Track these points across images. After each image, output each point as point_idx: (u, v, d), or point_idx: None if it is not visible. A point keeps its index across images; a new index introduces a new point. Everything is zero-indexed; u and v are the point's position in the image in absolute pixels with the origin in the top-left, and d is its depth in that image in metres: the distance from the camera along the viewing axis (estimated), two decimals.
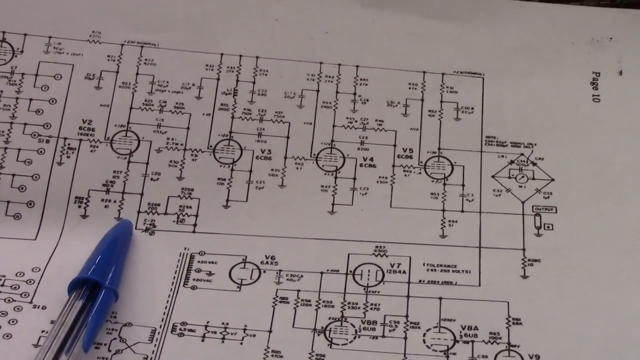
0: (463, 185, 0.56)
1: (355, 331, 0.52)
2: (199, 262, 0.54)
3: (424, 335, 0.52)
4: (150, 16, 0.60)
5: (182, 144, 0.57)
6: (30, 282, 0.53)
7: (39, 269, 0.53)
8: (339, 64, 0.59)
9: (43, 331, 0.51)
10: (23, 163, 0.57)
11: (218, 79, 0.59)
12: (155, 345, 0.51)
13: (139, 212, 0.56)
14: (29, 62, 0.59)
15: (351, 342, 0.51)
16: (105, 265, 0.52)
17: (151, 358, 0.50)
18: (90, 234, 0.55)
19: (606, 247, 0.54)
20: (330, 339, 0.51)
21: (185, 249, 0.55)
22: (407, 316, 0.52)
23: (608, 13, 0.61)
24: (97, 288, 0.51)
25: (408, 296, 0.53)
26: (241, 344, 0.51)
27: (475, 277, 0.53)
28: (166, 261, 0.54)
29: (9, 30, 0.59)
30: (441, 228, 0.55)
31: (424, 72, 0.59)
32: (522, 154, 0.57)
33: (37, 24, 0.59)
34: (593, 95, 0.58)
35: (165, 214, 0.56)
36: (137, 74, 0.59)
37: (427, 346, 0.51)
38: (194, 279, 0.54)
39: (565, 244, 0.54)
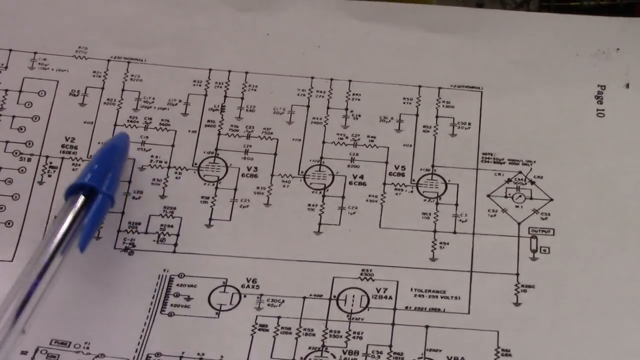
0: (457, 204, 0.54)
1: None
2: (178, 285, 0.52)
3: None
4: (137, 32, 0.59)
5: (166, 162, 0.56)
6: None
7: None
8: (331, 79, 0.57)
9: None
10: (3, 182, 0.55)
11: (205, 95, 0.57)
12: None
13: (118, 230, 0.54)
14: (13, 78, 0.57)
15: None
16: (102, 172, 0.52)
17: None
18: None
19: (604, 274, 0.51)
20: None
21: (164, 270, 0.53)
22: (390, 346, 0.50)
23: (615, 23, 0.58)
24: (94, 194, 0.51)
25: (393, 324, 0.51)
26: None
27: (464, 304, 0.51)
28: (144, 284, 0.52)
29: None
30: (431, 250, 0.52)
31: (420, 87, 0.57)
32: (520, 172, 0.54)
33: (22, 39, 0.58)
34: (597, 110, 0.55)
35: (146, 232, 0.54)
36: (122, 90, 0.57)
37: None
38: (172, 304, 0.52)
39: (561, 270, 0.51)
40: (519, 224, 0.53)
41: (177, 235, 0.54)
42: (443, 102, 0.56)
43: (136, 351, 0.50)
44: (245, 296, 0.52)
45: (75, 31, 0.59)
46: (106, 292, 0.52)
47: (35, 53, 0.58)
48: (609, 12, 0.64)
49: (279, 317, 0.51)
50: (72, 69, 0.58)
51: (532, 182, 0.54)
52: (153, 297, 0.52)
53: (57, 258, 0.48)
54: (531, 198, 0.53)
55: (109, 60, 0.58)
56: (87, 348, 0.50)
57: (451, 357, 0.49)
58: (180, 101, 0.57)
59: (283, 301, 0.51)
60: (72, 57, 0.58)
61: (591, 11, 0.64)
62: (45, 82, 0.57)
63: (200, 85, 0.57)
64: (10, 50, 0.58)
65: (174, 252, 0.53)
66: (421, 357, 0.49)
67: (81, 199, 0.51)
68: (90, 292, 0.52)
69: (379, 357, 0.49)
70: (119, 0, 0.59)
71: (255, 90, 0.57)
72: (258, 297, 0.52)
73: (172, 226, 0.54)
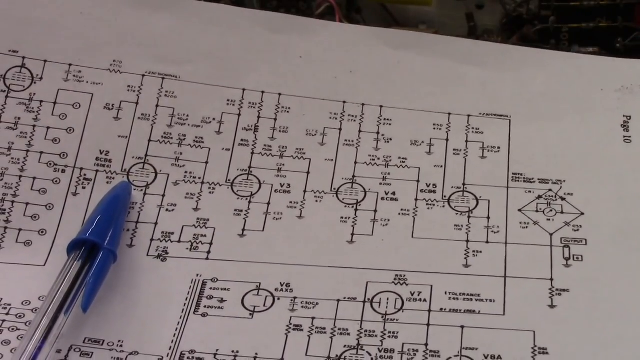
0: (488, 217, 0.54)
1: (372, 359, 0.49)
2: (211, 288, 0.52)
3: None
4: (172, 48, 0.60)
5: (199, 178, 0.56)
6: (35, 311, 0.51)
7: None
8: (363, 104, 0.58)
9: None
10: (38, 192, 0.55)
11: (239, 115, 0.58)
12: None
13: (151, 240, 0.54)
14: (48, 90, 0.58)
15: None
16: (104, 227, 0.52)
17: None
18: None
19: (637, 281, 0.51)
20: None
21: (197, 275, 0.53)
22: (426, 344, 0.50)
23: (637, 64, 0.60)
24: (96, 249, 0.51)
25: (428, 324, 0.50)
26: None
27: (500, 306, 0.51)
28: (177, 287, 0.52)
29: (28, 56, 0.59)
30: (465, 258, 0.53)
31: (449, 114, 0.58)
32: (550, 190, 0.55)
33: (57, 50, 0.59)
34: (624, 137, 0.56)
35: (179, 242, 0.54)
36: (157, 105, 0.58)
37: None
38: (205, 306, 0.51)
39: (595, 276, 0.51)
40: (551, 235, 0.53)
41: (210, 244, 0.54)
42: (472, 128, 0.57)
43: (170, 349, 0.50)
44: (279, 299, 0.52)
45: (110, 44, 0.59)
46: (139, 294, 0.52)
47: (70, 65, 0.59)
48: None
49: (313, 318, 0.51)
50: (106, 83, 0.58)
51: (563, 199, 0.54)
52: (186, 299, 0.52)
53: (61, 319, 0.48)
54: (562, 212, 0.54)
55: (143, 75, 0.59)
56: (121, 346, 0.50)
57: (488, 356, 0.49)
58: (214, 119, 0.58)
59: (317, 304, 0.51)
60: (107, 71, 0.59)
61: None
62: (80, 94, 0.58)
63: (234, 105, 0.58)
64: (46, 61, 0.59)
65: (207, 259, 0.53)
66: (457, 356, 0.49)
67: (82, 257, 0.51)
68: (123, 293, 0.52)
69: (415, 355, 0.49)
70: (153, 14, 0.60)
71: (288, 112, 0.58)
72: (292, 300, 0.51)
73: (205, 236, 0.54)
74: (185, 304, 0.52)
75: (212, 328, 0.51)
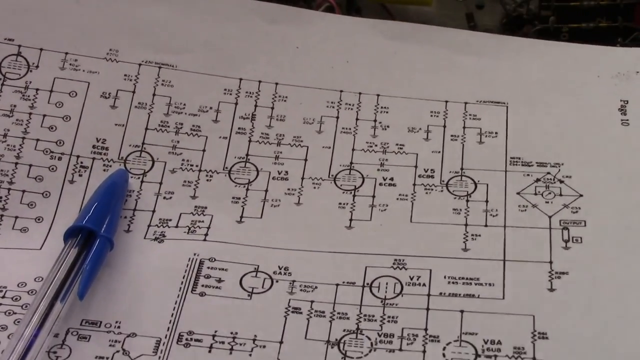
0: (487, 201, 0.54)
1: (371, 344, 0.49)
2: (208, 268, 0.52)
3: (444, 349, 0.48)
4: (169, 37, 0.60)
5: (197, 165, 0.56)
6: (32, 292, 0.51)
7: (42, 279, 0.51)
8: (360, 93, 0.58)
9: None
10: (34, 179, 0.55)
11: (236, 104, 0.58)
12: (159, 357, 0.48)
13: (149, 225, 0.54)
14: (44, 78, 0.58)
15: (366, 355, 0.48)
16: (101, 214, 0.52)
17: None
18: None
19: (636, 262, 0.51)
20: (344, 351, 0.48)
21: (195, 254, 0.52)
22: (426, 329, 0.49)
23: (633, 52, 0.60)
24: (93, 236, 0.51)
25: (428, 309, 0.50)
26: (250, 355, 0.48)
27: (499, 290, 0.51)
28: (174, 266, 0.52)
29: (24, 44, 0.59)
30: (464, 241, 0.53)
31: (446, 102, 0.58)
32: (548, 173, 0.55)
33: (53, 39, 0.59)
34: (622, 120, 0.56)
35: (177, 227, 0.54)
36: (153, 94, 0.58)
37: None
38: (202, 285, 0.51)
39: (595, 257, 0.51)
40: (549, 217, 0.53)
41: (208, 227, 0.54)
42: (470, 115, 0.57)
43: (168, 329, 0.49)
44: (277, 281, 0.51)
45: (106, 33, 0.59)
46: (136, 274, 0.52)
47: (66, 53, 0.59)
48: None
49: (312, 302, 0.50)
50: (103, 71, 0.58)
51: (561, 181, 0.54)
52: (183, 277, 0.51)
53: (57, 306, 0.48)
54: (561, 195, 0.54)
55: (140, 65, 0.59)
56: (119, 327, 0.49)
57: (488, 341, 0.48)
58: (211, 108, 0.58)
59: (316, 287, 0.51)
60: (103, 60, 0.59)
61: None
62: (76, 82, 0.58)
63: (231, 94, 0.58)
64: (41, 49, 0.59)
65: (205, 240, 0.53)
66: (457, 340, 0.49)
67: (79, 243, 0.51)
68: (119, 274, 0.52)
69: (414, 339, 0.49)
70: (150, 3, 0.61)
71: (285, 101, 0.58)
72: (290, 283, 0.51)
73: (202, 221, 0.54)
74: (182, 282, 0.51)
75: (210, 308, 0.50)
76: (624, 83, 0.58)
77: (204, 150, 0.57)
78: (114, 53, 0.59)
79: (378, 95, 0.58)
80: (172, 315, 0.50)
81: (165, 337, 0.49)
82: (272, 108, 0.58)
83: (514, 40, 0.61)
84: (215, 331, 0.49)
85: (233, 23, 0.60)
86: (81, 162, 0.56)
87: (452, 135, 0.57)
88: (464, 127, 0.57)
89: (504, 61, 0.59)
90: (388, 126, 0.57)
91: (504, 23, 0.68)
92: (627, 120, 0.56)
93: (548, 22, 0.66)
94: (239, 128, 0.57)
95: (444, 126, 0.57)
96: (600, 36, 0.65)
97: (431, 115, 0.57)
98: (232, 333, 0.49)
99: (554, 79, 0.59)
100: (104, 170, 0.56)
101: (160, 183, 0.56)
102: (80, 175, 0.56)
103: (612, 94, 0.58)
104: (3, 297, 0.51)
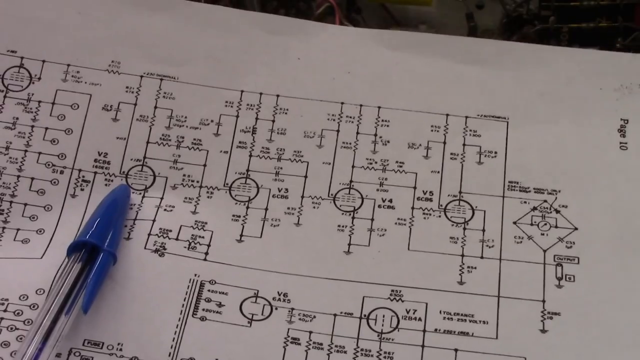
0: (484, 230, 0.55)
1: None
2: (209, 291, 0.53)
3: None
4: (171, 49, 0.59)
5: (197, 181, 0.56)
6: (33, 307, 0.52)
7: (44, 291, 0.52)
8: (360, 105, 0.58)
9: None
10: (36, 193, 0.56)
11: (237, 116, 0.58)
12: None
13: (149, 234, 0.55)
14: (46, 90, 0.58)
15: None
16: (104, 229, 0.53)
17: None
18: None
19: (628, 303, 0.52)
20: None
21: (195, 275, 0.53)
22: None
23: (638, 59, 0.59)
24: (96, 251, 0.52)
25: (423, 345, 0.51)
26: None
27: (493, 329, 0.52)
28: (175, 286, 0.53)
29: (27, 55, 0.58)
30: (459, 274, 0.53)
31: (447, 115, 0.58)
32: (545, 201, 0.55)
33: (56, 50, 0.59)
34: (620, 143, 0.57)
35: (177, 239, 0.54)
36: (155, 107, 0.58)
37: None
38: (203, 309, 0.52)
39: (586, 298, 0.52)
40: (544, 251, 0.54)
41: (208, 245, 0.54)
42: (470, 130, 0.57)
43: (169, 355, 0.50)
44: (276, 309, 0.52)
45: (109, 45, 0.59)
46: (137, 292, 0.52)
47: (68, 65, 0.59)
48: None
49: (310, 332, 0.52)
50: (105, 83, 0.58)
51: (557, 211, 0.55)
52: (184, 300, 0.52)
53: (62, 319, 0.49)
54: (556, 226, 0.54)
55: (141, 77, 0.59)
56: (120, 350, 0.51)
57: None
58: (212, 121, 0.58)
59: (314, 317, 0.52)
60: (105, 72, 0.59)
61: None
62: (79, 95, 0.58)
63: (232, 107, 0.58)
64: (44, 61, 0.59)
65: (205, 260, 0.54)
66: None
67: (83, 258, 0.52)
68: (121, 291, 0.52)
69: None
70: (152, 15, 0.60)
71: (286, 113, 0.58)
72: (289, 311, 0.52)
73: (203, 237, 0.55)
74: (183, 305, 0.52)
75: (210, 334, 0.51)
76: (626, 98, 0.58)
77: (204, 165, 0.57)
78: (116, 65, 0.59)
79: (379, 107, 0.58)
80: (173, 340, 0.51)
81: None
82: (273, 121, 0.58)
83: (517, 47, 0.60)
84: (216, 358, 0.51)
85: (234, 34, 0.60)
86: (83, 176, 0.56)
87: (452, 154, 0.57)
88: (464, 145, 0.57)
89: (506, 71, 0.59)
90: (388, 141, 0.57)
91: (504, 23, 0.67)
92: (626, 143, 0.57)
93: (548, 22, 0.66)
94: (239, 142, 0.57)
95: (444, 142, 0.57)
96: (600, 36, 0.65)
97: (431, 130, 0.58)
98: None
99: (557, 91, 0.58)
100: (106, 184, 0.56)
101: (162, 198, 0.56)
102: (82, 189, 0.56)
103: (612, 110, 0.58)
104: (5, 310, 0.52)
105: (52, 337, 0.48)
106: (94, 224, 0.53)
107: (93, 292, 0.51)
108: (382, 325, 0.52)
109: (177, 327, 0.51)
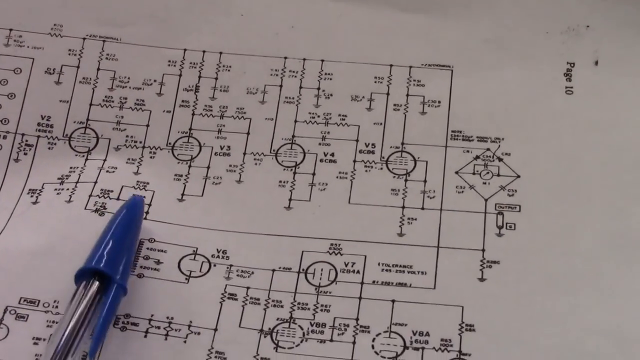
0: (425, 181, 0.54)
1: (303, 334, 0.50)
2: (147, 249, 0.53)
3: (373, 340, 0.49)
4: (113, 10, 0.59)
5: (140, 142, 0.56)
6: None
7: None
8: (304, 59, 0.58)
9: None
10: None
11: (180, 75, 0.58)
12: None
13: (90, 195, 0.54)
14: None
15: (298, 345, 0.50)
16: (117, 255, 0.50)
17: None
18: (40, 218, 0.54)
19: (567, 251, 0.51)
20: (276, 341, 0.50)
21: None
22: (357, 319, 0.50)
23: (585, 0, 0.58)
24: (105, 279, 0.49)
25: (360, 297, 0.51)
26: (185, 342, 0.50)
27: (431, 279, 0.51)
28: None
29: None
30: (399, 226, 0.53)
31: (391, 65, 0.57)
32: (488, 149, 0.55)
33: None
34: (566, 87, 0.56)
35: (118, 199, 0.54)
36: (98, 69, 0.58)
37: (376, 352, 0.49)
38: (141, 266, 0.52)
39: (526, 246, 0.52)
40: (485, 200, 0.53)
41: (149, 205, 0.54)
42: (414, 80, 0.57)
43: None
44: (215, 265, 0.52)
45: (50, 8, 0.59)
46: (75, 249, 0.52)
47: (10, 30, 0.59)
48: None
49: (248, 288, 0.51)
50: (47, 47, 0.58)
51: (500, 159, 0.54)
52: None
53: None
54: (498, 175, 0.54)
55: (84, 39, 0.59)
56: (56, 307, 0.50)
57: (416, 332, 0.49)
58: (155, 81, 0.58)
59: (252, 272, 0.52)
60: (48, 35, 0.59)
61: None
62: (21, 59, 0.58)
63: (175, 66, 0.58)
64: None
65: (145, 219, 0.54)
66: (387, 331, 0.50)
67: (94, 289, 0.49)
68: (57, 248, 0.52)
69: (345, 330, 0.50)
70: None
71: (229, 70, 0.58)
72: (228, 267, 0.52)
73: (144, 197, 0.54)
74: None
75: (148, 291, 0.51)
76: (573, 40, 0.57)
77: (147, 126, 0.57)
78: (58, 28, 0.59)
79: (322, 60, 0.58)
80: None
81: None
82: (216, 79, 0.58)
83: None
84: (152, 315, 0.50)
85: None
86: (26, 140, 0.56)
87: (395, 105, 0.56)
88: (408, 95, 0.56)
89: (451, 18, 0.58)
90: (331, 94, 0.57)
91: None
92: (572, 87, 0.56)
93: None
94: (182, 101, 0.57)
95: (388, 93, 0.57)
96: None
97: (375, 82, 0.57)
98: (168, 318, 0.50)
99: (502, 38, 0.58)
100: (49, 148, 0.56)
101: (105, 160, 0.56)
102: (25, 154, 0.56)
103: (558, 55, 0.57)
104: None
105: None
106: (107, 247, 0.49)
107: (100, 337, 0.48)
108: (320, 279, 0.52)
109: None
